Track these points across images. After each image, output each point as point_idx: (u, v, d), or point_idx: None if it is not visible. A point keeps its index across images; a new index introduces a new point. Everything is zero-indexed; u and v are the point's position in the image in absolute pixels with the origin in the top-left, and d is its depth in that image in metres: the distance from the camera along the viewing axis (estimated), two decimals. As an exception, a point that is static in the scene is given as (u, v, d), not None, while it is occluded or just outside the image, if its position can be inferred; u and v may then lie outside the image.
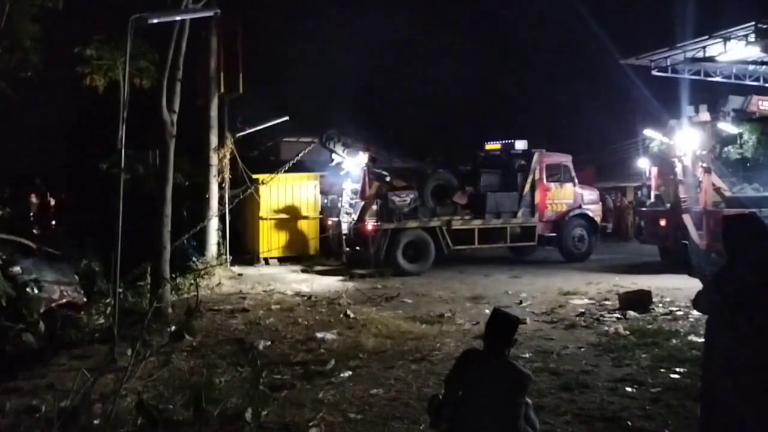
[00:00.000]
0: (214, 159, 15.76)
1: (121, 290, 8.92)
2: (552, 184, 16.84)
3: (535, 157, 16.67)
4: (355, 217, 15.74)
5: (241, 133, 16.96)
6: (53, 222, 17.51)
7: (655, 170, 17.13)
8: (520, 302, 11.09)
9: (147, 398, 5.75)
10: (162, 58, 10.23)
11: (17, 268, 9.00)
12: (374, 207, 15.28)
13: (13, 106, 7.87)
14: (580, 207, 17.19)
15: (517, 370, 3.77)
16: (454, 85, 29.79)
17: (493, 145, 17.65)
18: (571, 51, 30.02)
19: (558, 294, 11.83)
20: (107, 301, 10.24)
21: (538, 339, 8.46)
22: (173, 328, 7.74)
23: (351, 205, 16.21)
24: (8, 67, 8.32)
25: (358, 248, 15.74)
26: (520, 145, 16.98)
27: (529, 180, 16.50)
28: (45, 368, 7.46)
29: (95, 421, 5.33)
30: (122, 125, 8.78)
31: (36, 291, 8.82)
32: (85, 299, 10.21)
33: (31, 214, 17.61)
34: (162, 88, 9.89)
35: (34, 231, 15.99)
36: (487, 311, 10.11)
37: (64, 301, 9.56)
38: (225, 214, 16.00)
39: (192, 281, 12.37)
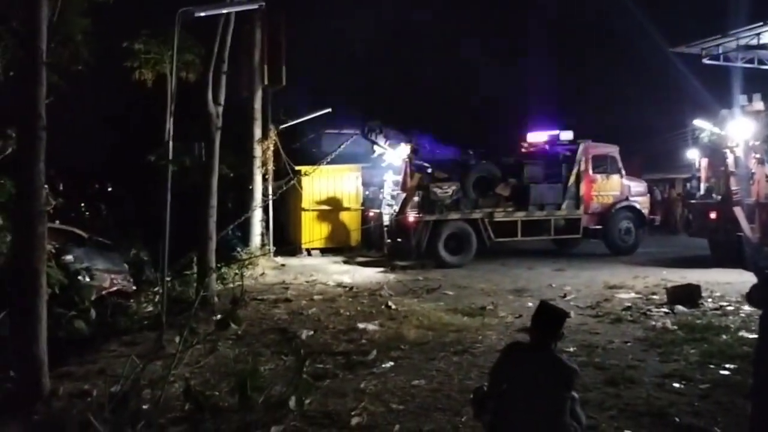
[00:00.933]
0: (257, 151, 15.97)
1: (168, 279, 9.11)
2: (598, 176, 16.52)
3: (581, 147, 16.37)
4: (396, 208, 15.75)
5: (284, 125, 17.14)
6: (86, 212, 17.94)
7: (705, 161, 16.62)
8: (565, 296, 10.94)
9: (194, 385, 5.87)
10: (207, 52, 10.37)
11: (70, 257, 9.33)
12: (416, 198, 15.24)
13: (64, 99, 8.07)
14: (627, 199, 16.83)
15: (563, 365, 3.71)
16: (497, 76, 29.46)
17: (536, 136, 17.39)
18: (618, 39, 29.36)
19: (603, 287, 11.63)
20: (155, 289, 10.51)
21: (582, 333, 8.33)
22: (219, 316, 7.87)
23: (392, 197, 16.22)
24: (60, 61, 8.51)
25: (399, 240, 15.74)
26: (566, 135, 16.69)
27: (575, 171, 16.22)
28: (96, 354, 7.70)
29: (144, 406, 5.47)
30: (170, 118, 8.96)
31: (87, 279, 9.12)
32: (134, 287, 10.52)
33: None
34: (208, 81, 10.04)
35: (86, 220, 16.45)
36: (530, 304, 10.06)
37: (114, 289, 9.88)
38: (268, 205, 16.21)
39: (236, 271, 12.59)
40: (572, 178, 16.20)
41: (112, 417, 5.02)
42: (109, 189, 21.31)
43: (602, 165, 16.63)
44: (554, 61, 30.40)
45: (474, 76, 28.96)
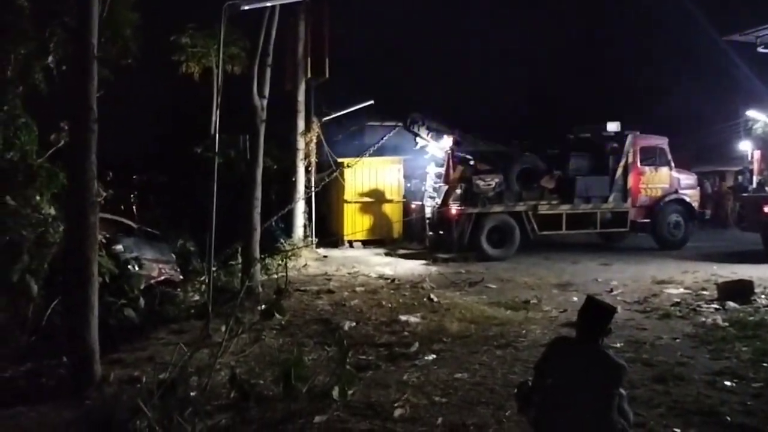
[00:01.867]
0: (300, 143, 16.09)
1: (214, 269, 9.27)
2: (646, 168, 16.13)
3: (629, 139, 16.00)
4: (438, 201, 15.67)
5: (327, 118, 17.22)
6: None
7: (758, 153, 16.10)
8: (611, 290, 10.73)
9: (239, 373, 5.98)
10: (253, 45, 10.47)
11: (120, 247, 9.57)
12: (458, 191, 15.14)
13: (114, 92, 8.25)
14: (676, 192, 16.40)
15: (611, 361, 3.63)
16: (542, 67, 29.01)
17: (583, 127, 17.06)
18: (667, 28, 28.54)
19: (651, 282, 11.37)
20: (201, 279, 10.71)
21: (630, 328, 8.16)
22: (263, 306, 7.99)
23: (435, 189, 16.15)
24: (110, 56, 8.70)
25: (441, 232, 15.68)
26: (613, 126, 16.32)
27: (622, 163, 15.87)
28: (145, 341, 7.90)
29: (192, 393, 5.59)
30: (216, 111, 9.08)
31: (137, 268, 9.34)
32: (181, 277, 10.74)
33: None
34: (253, 74, 10.14)
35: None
36: (576, 299, 9.92)
37: (162, 278, 10.11)
38: (311, 197, 16.33)
39: (280, 262, 12.73)
40: (620, 171, 15.86)
41: (160, 403, 5.13)
42: (157, 181, 21.73)
43: (651, 157, 16.23)
44: (601, 51, 29.76)
45: (519, 67, 28.57)
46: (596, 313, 3.77)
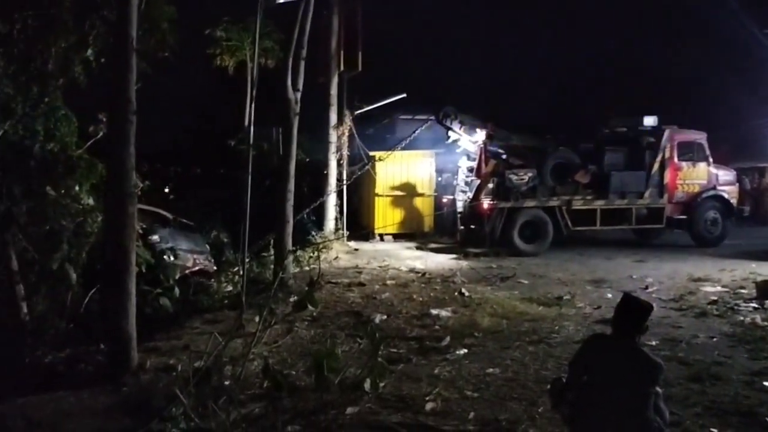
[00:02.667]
0: (333, 136, 16.15)
1: (247, 261, 9.37)
2: (684, 163, 15.80)
3: (666, 134, 15.68)
4: (470, 195, 15.59)
5: (359, 111, 17.24)
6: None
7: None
8: (646, 287, 10.56)
9: (272, 363, 6.02)
10: (287, 38, 10.51)
11: (156, 237, 9.74)
12: (490, 185, 15.03)
13: (151, 85, 8.37)
14: (714, 188, 16.03)
15: (648, 359, 3.59)
16: (576, 59, 28.60)
17: (618, 121, 16.78)
18: (705, 20, 27.85)
19: (688, 280, 11.15)
20: (235, 270, 10.86)
21: (665, 326, 8.02)
22: (295, 298, 8.06)
23: (467, 183, 16.06)
24: (147, 48, 8.83)
25: (473, 227, 15.60)
26: (649, 121, 16.01)
27: (659, 158, 15.56)
28: (180, 330, 8.04)
29: (226, 382, 5.67)
30: (250, 104, 9.15)
31: (172, 259, 9.50)
32: (215, 268, 10.89)
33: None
34: (287, 67, 10.18)
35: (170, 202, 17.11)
36: (610, 295, 9.79)
37: (196, 268, 10.27)
38: (342, 190, 16.39)
39: (311, 254, 12.83)
40: (656, 166, 15.57)
41: (195, 391, 5.23)
42: (192, 172, 22.06)
43: (688, 152, 15.88)
44: (638, 44, 29.22)
45: (554, 60, 28.22)
46: (633, 311, 3.72)
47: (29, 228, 8.00)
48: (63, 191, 8.26)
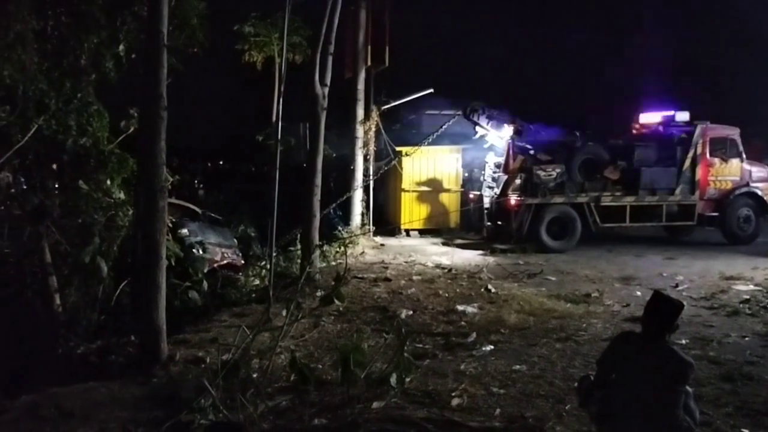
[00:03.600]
0: (359, 132, 16.15)
1: (274, 255, 9.44)
2: (716, 160, 15.49)
3: (698, 129, 15.38)
4: (497, 191, 15.47)
5: (386, 106, 17.21)
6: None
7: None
8: (676, 285, 10.39)
9: (299, 357, 6.07)
10: (315, 33, 10.54)
11: (185, 231, 9.88)
12: (518, 181, 14.90)
13: (181, 80, 8.47)
14: (747, 185, 15.69)
15: (678, 358, 3.53)
16: (607, 53, 28.21)
17: (649, 116, 16.53)
18: (738, 13, 27.25)
19: (719, 278, 10.95)
20: (262, 264, 10.94)
21: (696, 325, 7.90)
22: (322, 292, 8.11)
23: (493, 179, 15.94)
24: (177, 44, 8.93)
25: (499, 223, 15.49)
26: (681, 116, 15.73)
27: (690, 154, 15.27)
28: (208, 323, 8.15)
29: (254, 375, 5.73)
30: (278, 99, 9.19)
31: (201, 252, 9.62)
32: (242, 262, 11.00)
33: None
34: (315, 63, 10.20)
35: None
36: (639, 293, 9.66)
37: (224, 262, 10.39)
38: (369, 185, 16.40)
39: (337, 249, 12.88)
40: (688, 162, 15.28)
41: (224, 383, 5.29)
42: (220, 167, 22.32)
43: (721, 148, 15.56)
44: (669, 38, 28.69)
45: (582, 54, 27.87)
46: (663, 309, 3.67)
47: (62, 221, 8.17)
48: (95, 185, 8.41)
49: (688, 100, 17.69)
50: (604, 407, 3.73)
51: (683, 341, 7.08)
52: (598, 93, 26.69)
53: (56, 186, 8.47)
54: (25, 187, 8.46)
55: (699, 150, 15.33)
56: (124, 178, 8.80)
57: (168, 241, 7.71)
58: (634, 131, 16.63)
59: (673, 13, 29.43)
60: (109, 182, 8.62)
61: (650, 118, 16.49)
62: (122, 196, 8.70)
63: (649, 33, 28.60)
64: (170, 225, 8.90)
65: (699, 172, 15.32)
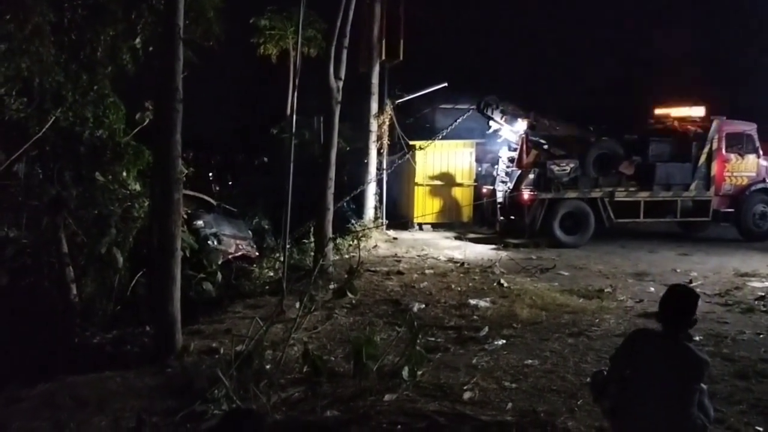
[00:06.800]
0: (373, 125, 16.15)
1: (288, 247, 9.49)
2: (732, 155, 15.34)
3: (714, 125, 15.23)
4: (510, 185, 15.43)
5: (400, 100, 17.19)
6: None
7: None
8: (690, 282, 10.29)
9: (312, 349, 6.11)
10: (330, 27, 10.54)
11: (200, 222, 9.96)
12: (531, 176, 14.86)
13: (196, 73, 8.53)
14: (763, 181, 15.53)
15: (694, 355, 3.51)
16: (622, 47, 27.94)
17: (664, 111, 16.39)
18: (755, 5, 26.89)
19: (734, 275, 10.86)
20: (276, 256, 10.99)
21: (710, 322, 7.85)
22: (335, 285, 8.14)
23: (507, 174, 15.90)
24: (193, 37, 8.97)
25: (512, 217, 15.45)
26: (697, 111, 15.59)
27: (706, 150, 15.14)
28: (222, 314, 8.21)
29: (267, 366, 5.78)
30: (293, 92, 9.21)
31: (215, 243, 9.69)
32: (257, 253, 11.07)
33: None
34: (330, 56, 10.20)
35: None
36: (652, 289, 9.62)
37: (239, 254, 10.47)
38: (382, 178, 16.41)
39: (350, 242, 12.91)
40: (703, 157, 15.15)
41: (237, 374, 5.34)
42: (234, 160, 22.41)
43: (737, 144, 15.41)
44: (687, 31, 28.37)
45: (598, 48, 27.62)
46: (679, 304, 3.64)
47: (79, 212, 8.27)
48: (111, 177, 8.51)
49: (704, 94, 17.48)
50: (618, 403, 3.72)
51: (697, 338, 7.02)
52: (614, 87, 26.47)
53: (73, 177, 8.57)
54: (42, 178, 8.57)
55: (715, 145, 15.19)
56: (140, 169, 8.88)
57: (183, 233, 7.80)
58: (649, 126, 16.49)
59: (692, 7, 29.08)
60: (125, 174, 8.72)
61: (665, 112, 16.35)
62: (138, 187, 8.79)
63: (667, 26, 28.30)
64: (185, 216, 9.00)
65: (715, 168, 15.20)
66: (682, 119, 15.89)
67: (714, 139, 15.20)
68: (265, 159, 20.62)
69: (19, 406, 5.26)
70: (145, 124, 9.28)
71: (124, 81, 9.16)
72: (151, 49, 8.72)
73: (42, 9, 7.79)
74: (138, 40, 8.74)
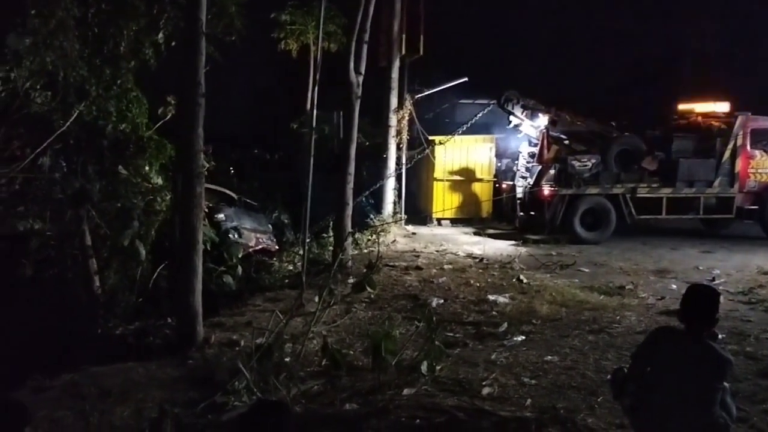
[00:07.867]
0: (393, 120, 16.14)
1: (307, 241, 9.53)
2: (757, 152, 15.08)
3: (739, 120, 14.99)
4: (531, 181, 15.34)
5: (420, 95, 17.15)
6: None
7: None
8: (713, 279, 10.20)
9: (331, 342, 6.15)
10: (350, 22, 10.53)
11: (221, 216, 10.04)
12: (552, 171, 14.74)
13: (218, 68, 8.58)
14: (789, 178, 15.29)
15: (717, 354, 3.47)
16: (646, 42, 27.59)
17: (688, 107, 16.18)
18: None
19: (757, 273, 10.70)
20: (295, 250, 11.05)
21: (733, 320, 7.76)
22: (354, 279, 8.17)
23: (527, 169, 15.79)
24: (215, 32, 9.02)
25: (532, 213, 15.35)
26: (721, 107, 15.36)
27: (730, 146, 14.90)
28: (243, 307, 8.28)
29: (286, 359, 5.83)
30: (313, 87, 9.22)
31: (236, 237, 9.76)
32: (276, 247, 11.13)
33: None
34: (350, 51, 10.20)
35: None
36: (674, 286, 9.52)
37: (259, 247, 10.53)
38: (401, 174, 16.40)
39: (369, 237, 12.93)
40: (727, 154, 14.92)
41: (257, 366, 5.39)
42: (254, 154, 22.48)
43: (762, 140, 15.13)
44: (710, 26, 27.94)
45: (621, 43, 27.29)
46: (699, 300, 3.60)
47: (102, 205, 8.37)
48: (134, 170, 8.60)
49: (728, 90, 17.22)
50: (639, 401, 3.70)
51: (719, 336, 6.95)
52: (637, 82, 26.17)
53: (96, 171, 8.68)
54: (66, 171, 8.69)
55: (739, 141, 14.95)
56: (162, 163, 8.96)
57: (204, 226, 7.88)
58: (672, 122, 16.29)
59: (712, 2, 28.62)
60: (147, 167, 8.80)
61: (689, 108, 16.14)
62: (160, 181, 8.87)
63: (690, 20, 27.89)
64: (207, 210, 9.08)
65: (739, 164, 14.95)
66: (706, 115, 15.68)
67: (738, 135, 14.97)
68: (286, 155, 20.71)
69: (44, 395, 5.36)
70: (168, 118, 9.36)
71: (146, 75, 9.23)
72: (173, 43, 8.78)
73: (66, 4, 7.87)
74: (161, 34, 8.79)
